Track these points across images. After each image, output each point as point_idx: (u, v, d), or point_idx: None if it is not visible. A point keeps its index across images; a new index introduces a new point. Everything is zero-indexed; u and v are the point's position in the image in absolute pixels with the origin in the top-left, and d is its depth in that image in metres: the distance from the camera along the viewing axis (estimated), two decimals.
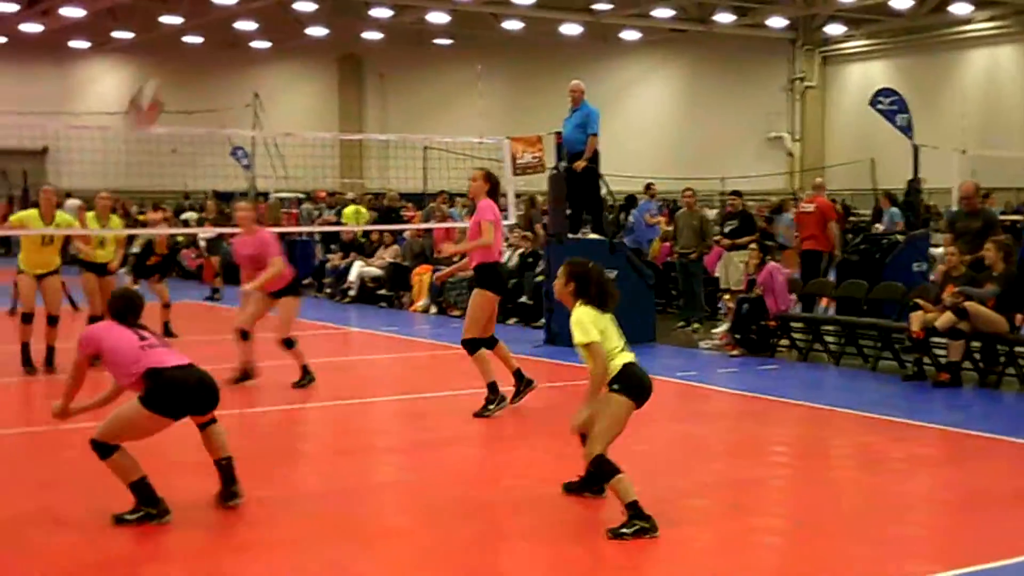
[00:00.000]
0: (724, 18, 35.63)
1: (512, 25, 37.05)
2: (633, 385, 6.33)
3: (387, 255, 20.01)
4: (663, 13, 35.25)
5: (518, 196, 16.83)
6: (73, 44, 39.41)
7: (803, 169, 39.91)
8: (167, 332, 14.10)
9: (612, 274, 13.86)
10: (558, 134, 14.45)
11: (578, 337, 6.26)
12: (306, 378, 10.89)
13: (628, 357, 6.38)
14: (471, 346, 9.46)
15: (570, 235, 14.24)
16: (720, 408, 10.79)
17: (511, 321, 16.43)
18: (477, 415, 9.33)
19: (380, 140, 28.20)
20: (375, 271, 19.85)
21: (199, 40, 39.33)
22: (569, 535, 6.44)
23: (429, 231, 19.39)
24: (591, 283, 6.40)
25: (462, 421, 9.36)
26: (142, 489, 6.33)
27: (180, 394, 6.32)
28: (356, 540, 6.30)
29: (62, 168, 27.87)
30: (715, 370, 12.33)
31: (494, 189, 9.75)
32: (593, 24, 36.18)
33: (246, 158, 26.75)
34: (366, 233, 20.99)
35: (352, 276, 20.04)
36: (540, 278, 15.51)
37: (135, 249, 16.38)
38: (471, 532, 6.51)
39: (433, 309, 17.88)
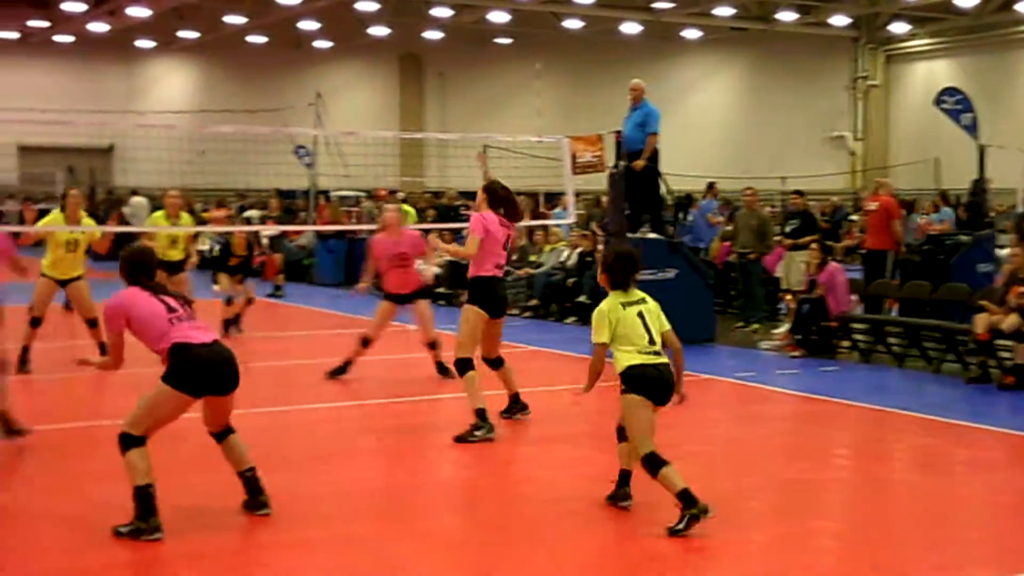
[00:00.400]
0: (786, 16, 35.30)
1: (572, 24, 37.01)
2: (636, 384, 6.43)
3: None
4: (724, 11, 35.00)
5: (578, 195, 16.83)
6: (139, 43, 40.03)
7: (865, 168, 39.44)
8: (227, 328, 14.27)
9: (671, 273, 13.94)
10: (618, 133, 14.43)
11: (593, 334, 6.54)
12: (445, 371, 11.21)
13: (636, 359, 6.44)
14: (461, 366, 8.77)
15: (629, 234, 14.21)
16: (779, 409, 10.71)
17: (569, 320, 16.44)
18: (459, 439, 8.53)
19: (440, 139, 28.31)
20: (434, 269, 19.91)
21: (263, 40, 39.75)
22: (627, 534, 6.46)
23: None
24: (614, 269, 6.62)
25: (522, 420, 9.39)
26: (144, 498, 6.05)
27: (203, 372, 6.14)
28: (414, 538, 6.34)
29: (128, 166, 28.34)
30: (774, 371, 12.25)
31: (496, 201, 8.90)
32: (653, 23, 36.01)
33: (308, 156, 26.99)
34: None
35: None
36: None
37: (203, 247, 16.61)
38: (530, 530, 6.53)
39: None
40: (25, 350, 11.49)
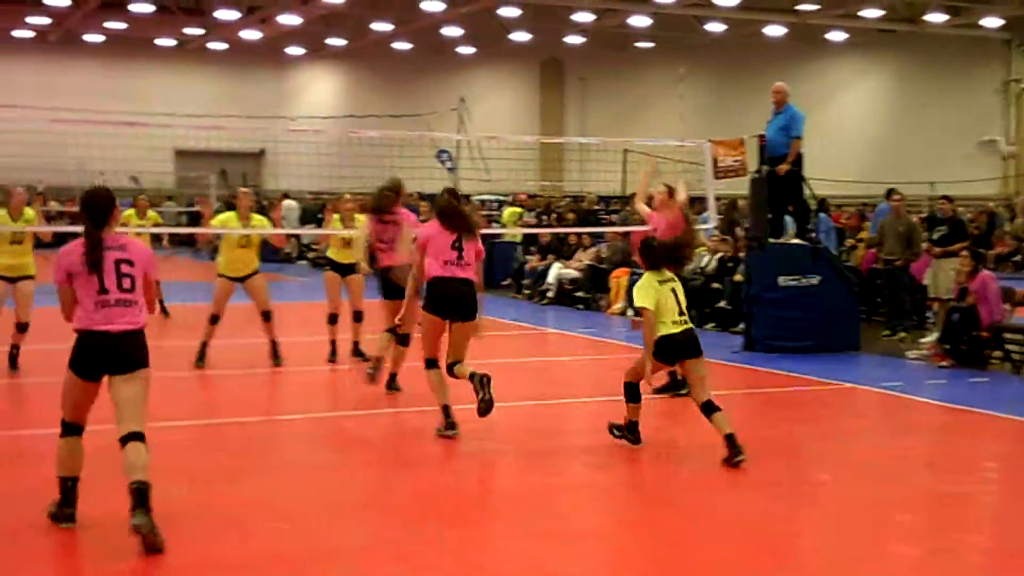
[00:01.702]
0: (936, 18, 34.37)
1: (715, 27, 36.71)
2: (660, 351, 8.01)
3: (585, 257, 20.16)
4: (871, 13, 34.27)
5: (717, 199, 16.70)
6: (289, 51, 41.20)
7: (1018, 174, 38.14)
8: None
9: (814, 280, 13.75)
10: (761, 137, 14.29)
11: (636, 301, 8.14)
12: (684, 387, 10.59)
13: (670, 329, 7.97)
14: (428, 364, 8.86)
15: (771, 240, 14.07)
16: (927, 420, 10.48)
17: (709, 326, 16.31)
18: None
19: (580, 143, 28.43)
20: (573, 273, 20.02)
21: (408, 46, 40.50)
22: (765, 541, 6.42)
23: (627, 234, 19.43)
24: (653, 255, 8.16)
25: (656, 424, 9.37)
26: (62, 487, 6.17)
27: (89, 356, 6.03)
28: (551, 539, 6.38)
29: (278, 170, 29.24)
30: (922, 381, 11.97)
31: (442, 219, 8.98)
32: (798, 25, 35.47)
33: (450, 161, 27.36)
34: (564, 236, 21.16)
35: (550, 278, 20.27)
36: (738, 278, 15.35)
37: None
38: (664, 534, 6.55)
39: (630, 312, 17.92)
40: (204, 346, 12.01)
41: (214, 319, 12.00)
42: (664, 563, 6.05)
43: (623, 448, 8.45)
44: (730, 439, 7.78)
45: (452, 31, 37.71)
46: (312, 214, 28.70)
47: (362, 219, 12.97)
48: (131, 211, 17.25)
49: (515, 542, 6.29)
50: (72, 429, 6.18)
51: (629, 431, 8.42)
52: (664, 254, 8.23)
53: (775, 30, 36.63)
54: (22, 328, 11.58)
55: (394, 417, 9.91)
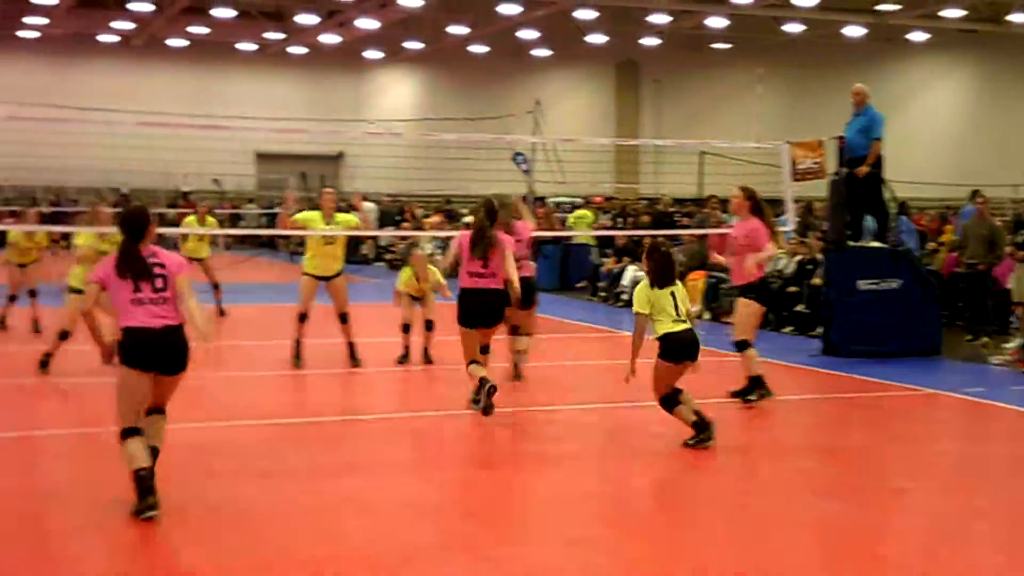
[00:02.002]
0: (1019, 18, 33.65)
1: (793, 28, 36.34)
2: (665, 350, 8.40)
3: None
4: (953, 13, 33.68)
5: (796, 202, 16.57)
6: (367, 54, 41.62)
7: None
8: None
9: (895, 284, 13.58)
10: (840, 138, 14.15)
11: (634, 306, 8.54)
12: (752, 393, 10.44)
13: (670, 328, 8.38)
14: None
15: (850, 243, 13.92)
16: (1010, 427, 10.30)
17: (786, 330, 16.18)
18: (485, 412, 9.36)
19: (656, 145, 28.36)
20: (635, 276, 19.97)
21: (484, 49, 40.70)
22: (843, 549, 6.38)
23: (703, 236, 19.33)
24: (655, 266, 8.54)
25: (729, 429, 9.32)
26: (139, 480, 6.40)
27: (144, 351, 6.46)
28: (628, 540, 6.41)
29: (356, 172, 29.46)
30: (1006, 387, 11.74)
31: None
32: (878, 25, 34.99)
33: (526, 163, 27.40)
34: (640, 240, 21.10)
35: (625, 280, 20.23)
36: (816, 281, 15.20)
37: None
38: (742, 540, 6.54)
39: (707, 315, 17.84)
40: (297, 344, 12.21)
41: (302, 317, 12.22)
42: (742, 570, 6.05)
43: (697, 452, 8.44)
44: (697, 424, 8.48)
45: (528, 34, 37.80)
46: (390, 216, 28.98)
47: (436, 271, 12.91)
48: (192, 217, 18.47)
49: (592, 543, 6.32)
50: (130, 432, 6.50)
51: (700, 430, 8.50)
52: (662, 271, 8.53)
53: (854, 30, 36.17)
54: None
55: (471, 418, 9.98)
